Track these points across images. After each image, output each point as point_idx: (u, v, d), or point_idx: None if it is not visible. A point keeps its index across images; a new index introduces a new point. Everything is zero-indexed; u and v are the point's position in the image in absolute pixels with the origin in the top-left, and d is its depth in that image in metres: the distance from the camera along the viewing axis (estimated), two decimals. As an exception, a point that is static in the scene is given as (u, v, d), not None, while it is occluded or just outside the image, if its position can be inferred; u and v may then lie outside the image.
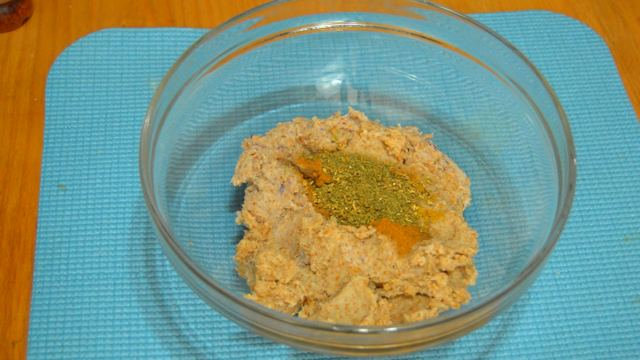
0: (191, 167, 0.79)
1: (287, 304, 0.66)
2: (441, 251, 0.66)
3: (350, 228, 0.68)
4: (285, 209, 0.72)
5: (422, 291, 0.67)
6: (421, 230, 0.70)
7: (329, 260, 0.67)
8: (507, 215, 0.77)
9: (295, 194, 0.72)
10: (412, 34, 0.78)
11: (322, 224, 0.69)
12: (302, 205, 0.72)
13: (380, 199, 0.71)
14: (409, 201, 0.72)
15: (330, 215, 0.71)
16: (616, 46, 0.93)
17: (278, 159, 0.75)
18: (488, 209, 0.78)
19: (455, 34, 0.76)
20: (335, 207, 0.71)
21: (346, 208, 0.71)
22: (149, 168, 0.66)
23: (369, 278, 0.67)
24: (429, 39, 0.77)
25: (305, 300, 0.68)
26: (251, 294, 0.66)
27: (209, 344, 0.71)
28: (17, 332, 0.71)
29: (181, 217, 0.75)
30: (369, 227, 0.69)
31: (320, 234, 0.67)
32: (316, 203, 0.72)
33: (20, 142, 0.82)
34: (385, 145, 0.75)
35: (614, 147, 0.85)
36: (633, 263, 0.77)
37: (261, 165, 0.73)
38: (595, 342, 0.73)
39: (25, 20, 0.91)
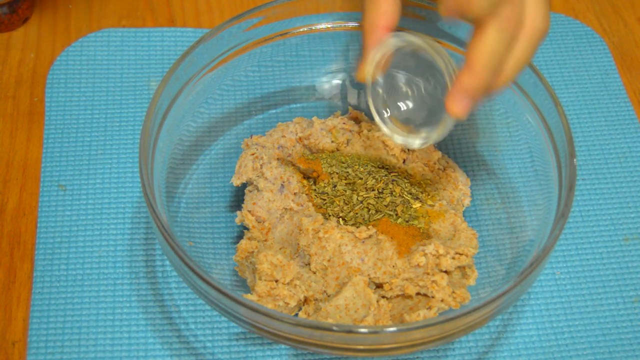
0: (191, 167, 0.79)
1: (287, 304, 0.66)
2: (441, 251, 0.66)
3: (350, 228, 0.68)
4: (285, 209, 0.72)
5: (422, 291, 0.67)
6: (421, 230, 0.70)
7: (329, 260, 0.67)
8: (507, 215, 0.77)
9: (295, 194, 0.72)
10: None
11: (322, 224, 0.69)
12: (302, 205, 0.72)
13: (381, 199, 0.71)
14: (409, 201, 0.72)
15: (330, 215, 0.71)
16: (616, 46, 0.93)
17: (278, 159, 0.75)
18: (488, 209, 0.78)
19: (455, 34, 0.75)
20: (335, 207, 0.71)
21: (346, 208, 0.71)
22: (149, 168, 0.66)
23: (369, 278, 0.67)
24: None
25: (305, 300, 0.68)
26: (251, 294, 0.66)
27: (209, 344, 0.71)
28: (17, 332, 0.71)
29: (181, 217, 0.75)
30: (369, 227, 0.68)
31: (320, 234, 0.67)
32: (316, 203, 0.72)
33: (20, 142, 0.82)
34: (385, 145, 0.75)
35: (614, 147, 0.85)
36: (633, 263, 0.77)
37: (261, 165, 0.73)
38: (595, 342, 0.73)
39: (25, 20, 0.91)
